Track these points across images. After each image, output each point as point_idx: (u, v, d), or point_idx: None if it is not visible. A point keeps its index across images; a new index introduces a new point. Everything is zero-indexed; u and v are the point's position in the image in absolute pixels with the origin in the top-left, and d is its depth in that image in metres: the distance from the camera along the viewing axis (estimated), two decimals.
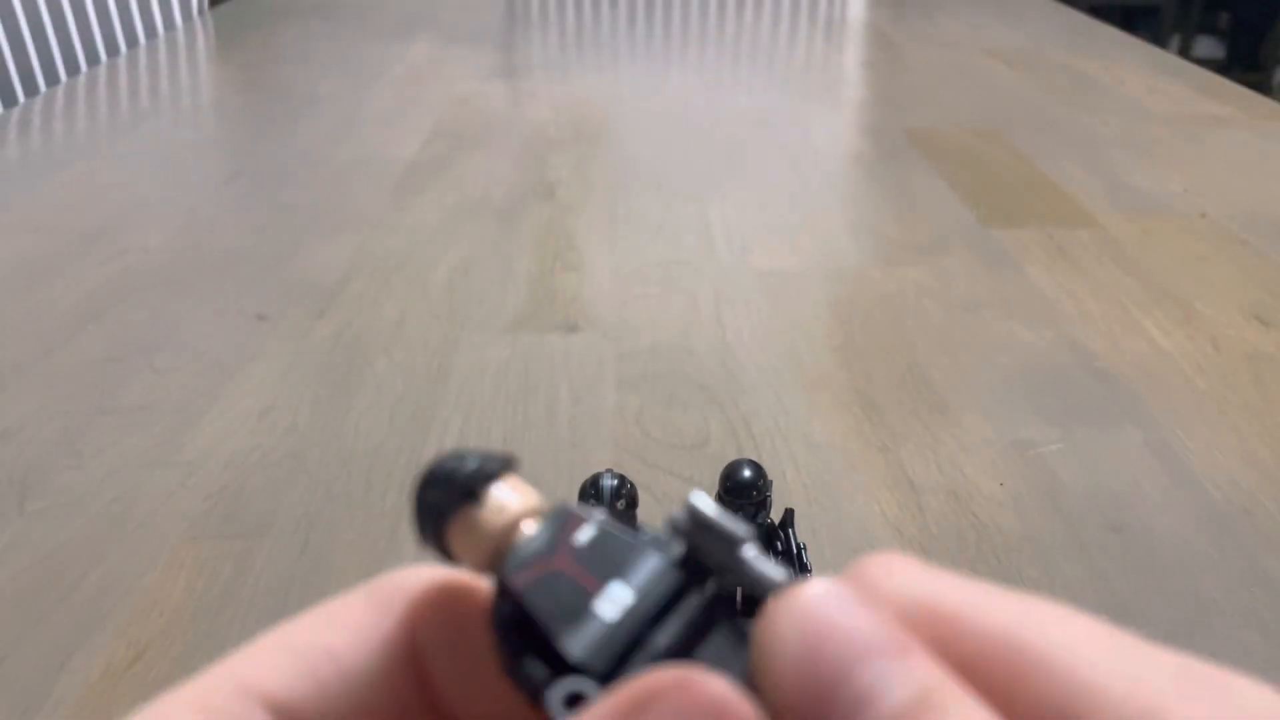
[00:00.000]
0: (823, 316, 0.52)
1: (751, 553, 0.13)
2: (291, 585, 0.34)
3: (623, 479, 0.30)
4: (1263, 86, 2.94)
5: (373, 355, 0.48)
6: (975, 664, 0.12)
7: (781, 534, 0.30)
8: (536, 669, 0.13)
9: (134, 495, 0.38)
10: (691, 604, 0.13)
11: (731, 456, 0.39)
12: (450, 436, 0.42)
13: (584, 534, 0.14)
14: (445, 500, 0.14)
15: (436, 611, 0.16)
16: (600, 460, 0.40)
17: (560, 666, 0.13)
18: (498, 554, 0.14)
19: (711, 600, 0.13)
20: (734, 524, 0.13)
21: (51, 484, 0.39)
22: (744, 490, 0.30)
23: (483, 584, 0.15)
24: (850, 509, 0.37)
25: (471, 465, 0.14)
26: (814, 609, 0.11)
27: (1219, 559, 0.35)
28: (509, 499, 0.15)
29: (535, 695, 0.13)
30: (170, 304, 0.53)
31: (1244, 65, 3.20)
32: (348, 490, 0.39)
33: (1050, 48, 1.11)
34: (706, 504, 0.13)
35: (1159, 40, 2.93)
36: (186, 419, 0.43)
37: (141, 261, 0.58)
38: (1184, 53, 3.08)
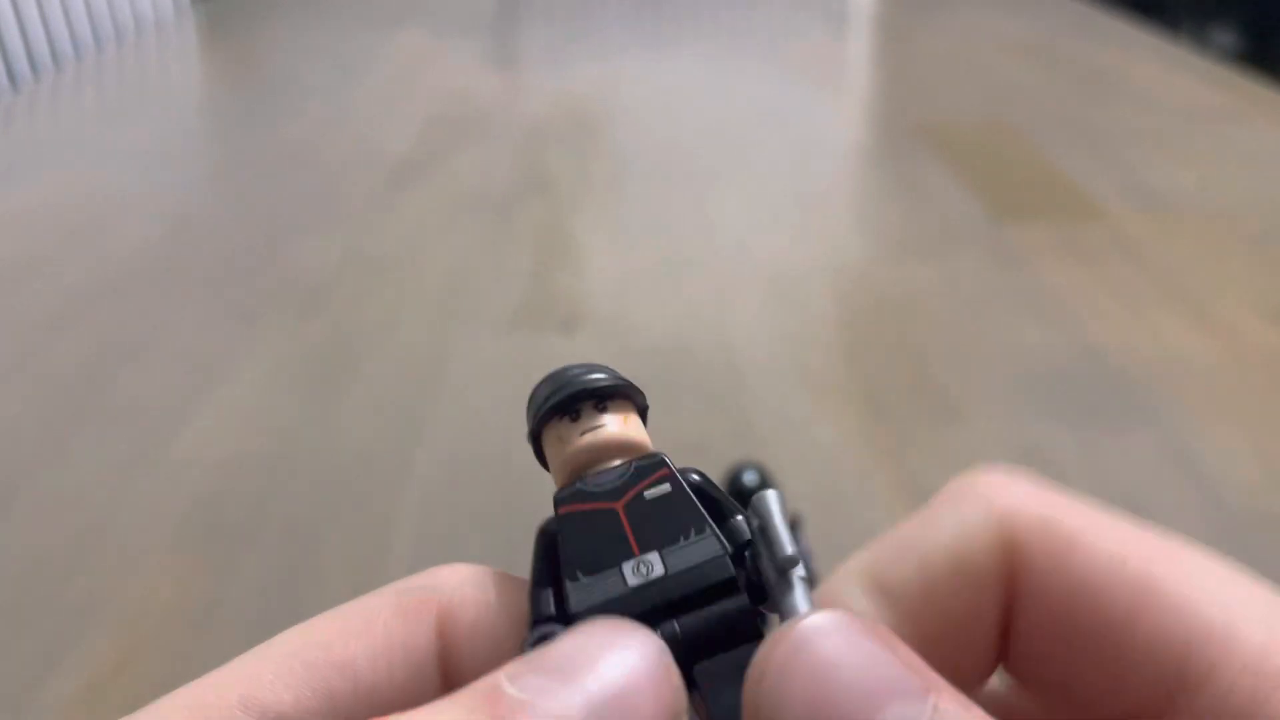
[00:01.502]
0: (828, 315, 0.51)
1: (799, 574, 0.12)
2: (280, 593, 0.33)
3: None
4: None
5: (363, 356, 0.46)
6: (1091, 589, 0.11)
7: None
8: (544, 602, 0.12)
9: (119, 499, 0.37)
10: (726, 608, 0.12)
11: (734, 459, 0.38)
12: (444, 439, 0.41)
13: (658, 489, 0.13)
14: (545, 402, 0.13)
15: (471, 622, 0.14)
16: None
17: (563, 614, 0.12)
18: (574, 476, 0.13)
19: (748, 612, 0.12)
20: (790, 539, 0.12)
21: (34, 487, 0.38)
22: (747, 495, 0.29)
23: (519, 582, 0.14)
24: (858, 513, 0.36)
25: (587, 378, 0.14)
26: (820, 645, 0.10)
27: (1236, 564, 0.34)
28: (606, 426, 0.13)
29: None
30: (156, 303, 0.52)
31: (1262, 56, 3.18)
32: (337, 495, 0.38)
33: (1062, 40, 1.10)
34: (775, 506, 0.12)
35: (1173, 26, 2.91)
36: (172, 421, 0.42)
37: (126, 260, 0.57)
38: (1200, 43, 3.07)
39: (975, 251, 0.58)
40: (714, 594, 0.12)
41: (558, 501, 0.13)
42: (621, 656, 0.11)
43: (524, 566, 0.33)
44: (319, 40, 1.08)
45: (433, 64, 0.99)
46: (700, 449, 0.40)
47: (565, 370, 0.14)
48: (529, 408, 0.14)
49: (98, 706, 0.29)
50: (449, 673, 0.14)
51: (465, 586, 0.14)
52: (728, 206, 0.65)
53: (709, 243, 0.59)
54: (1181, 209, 0.65)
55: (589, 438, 0.13)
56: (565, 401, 0.14)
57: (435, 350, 0.47)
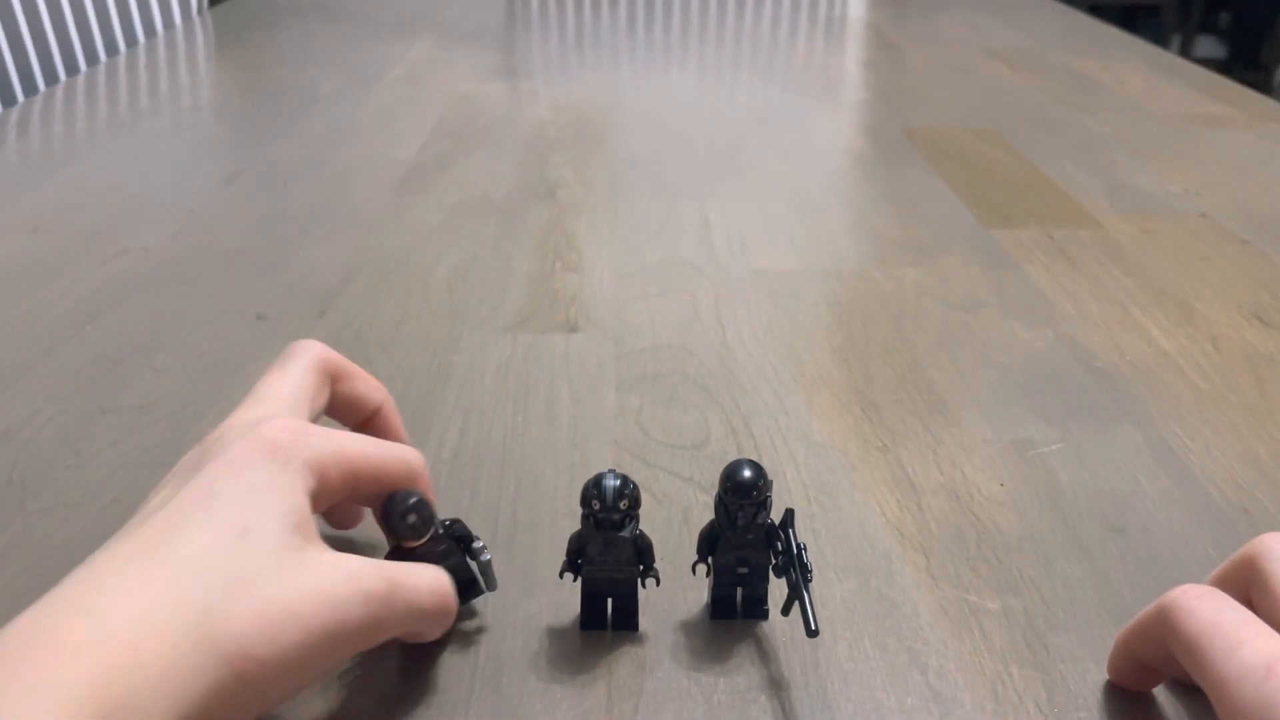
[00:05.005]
0: (822, 316, 0.52)
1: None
2: None
3: (625, 479, 0.30)
4: (1263, 86, 2.95)
5: (373, 355, 0.48)
6: None
7: (782, 534, 0.30)
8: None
9: (135, 495, 0.38)
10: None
11: (732, 456, 0.40)
12: (451, 436, 0.42)
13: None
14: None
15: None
16: (601, 460, 0.40)
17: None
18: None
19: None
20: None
21: (52, 484, 0.39)
22: (745, 490, 0.30)
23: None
24: (850, 508, 0.38)
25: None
26: None
27: (1218, 558, 0.35)
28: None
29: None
30: (170, 304, 0.53)
31: (1245, 64, 3.21)
32: None
33: (1050, 47, 1.11)
34: None
35: (1160, 40, 2.94)
36: (187, 419, 0.43)
37: (141, 261, 0.58)
38: (1185, 52, 3.09)
39: (965, 255, 0.59)
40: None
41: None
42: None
43: (524, 560, 0.35)
44: (331, 49, 1.10)
45: (442, 73, 1.00)
46: (699, 447, 0.41)
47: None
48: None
49: None
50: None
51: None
52: (726, 211, 0.66)
53: (707, 246, 0.61)
54: (1166, 213, 0.66)
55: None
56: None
57: (443, 349, 0.49)
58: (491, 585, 0.32)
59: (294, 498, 0.27)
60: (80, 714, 0.21)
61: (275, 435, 0.28)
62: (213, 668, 0.23)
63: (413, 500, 0.29)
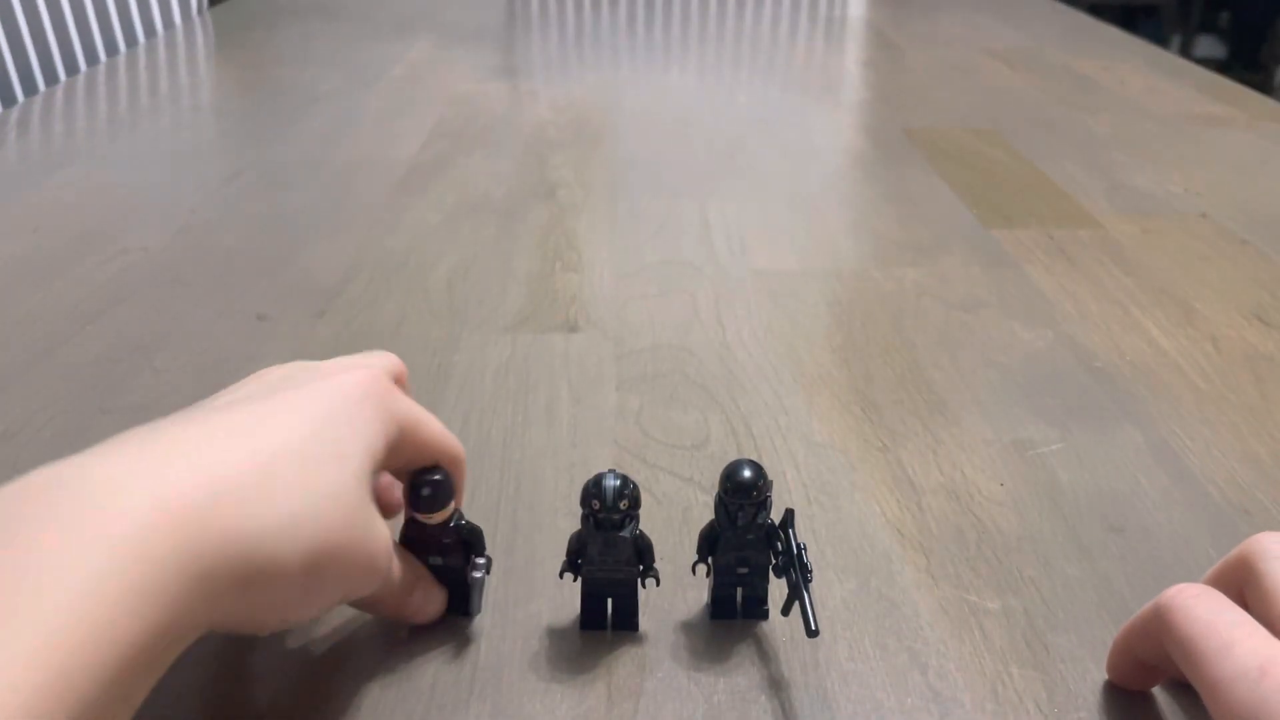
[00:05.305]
0: (822, 316, 0.52)
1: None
2: None
3: (625, 479, 0.30)
4: (1263, 86, 2.95)
5: None
6: None
7: (782, 534, 0.30)
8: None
9: None
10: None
11: (732, 456, 0.40)
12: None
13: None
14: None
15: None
16: (600, 460, 0.40)
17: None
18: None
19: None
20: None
21: None
22: (744, 490, 0.30)
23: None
24: (850, 509, 0.38)
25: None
26: None
27: (1218, 558, 0.35)
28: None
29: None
30: (170, 304, 0.53)
31: (1245, 64, 3.21)
32: None
33: (1050, 47, 1.11)
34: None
35: (1160, 40, 2.94)
36: None
37: (141, 261, 0.58)
38: (1185, 52, 3.09)
39: (965, 255, 0.59)
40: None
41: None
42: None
43: (524, 560, 0.35)
44: (331, 48, 1.10)
45: (441, 73, 1.00)
46: (699, 447, 0.41)
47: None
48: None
49: None
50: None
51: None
52: (726, 211, 0.66)
53: (708, 246, 0.61)
54: (1167, 213, 0.66)
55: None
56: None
57: (443, 349, 0.49)
58: (474, 608, 0.32)
59: (379, 445, 0.27)
60: (132, 570, 0.19)
61: (370, 382, 0.28)
62: (289, 556, 0.22)
63: (436, 476, 0.29)
